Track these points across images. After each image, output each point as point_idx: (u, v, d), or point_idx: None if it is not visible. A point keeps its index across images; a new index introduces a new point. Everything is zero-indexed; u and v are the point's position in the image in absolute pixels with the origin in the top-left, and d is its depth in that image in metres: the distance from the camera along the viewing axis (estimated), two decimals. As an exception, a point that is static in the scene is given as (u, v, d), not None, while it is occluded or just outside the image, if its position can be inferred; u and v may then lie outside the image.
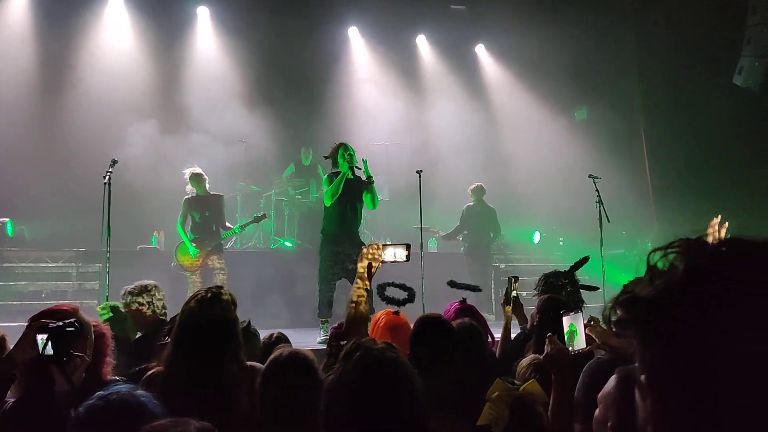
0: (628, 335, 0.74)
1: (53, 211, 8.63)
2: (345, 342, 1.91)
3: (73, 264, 8.24)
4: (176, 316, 2.30)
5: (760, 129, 8.96)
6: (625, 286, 0.75)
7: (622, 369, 1.28)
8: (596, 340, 2.44)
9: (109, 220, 5.70)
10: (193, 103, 9.66)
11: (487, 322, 3.48)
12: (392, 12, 11.00)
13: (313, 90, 10.87)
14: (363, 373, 1.41)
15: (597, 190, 7.21)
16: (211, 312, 2.13)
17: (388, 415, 1.39)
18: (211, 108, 9.57)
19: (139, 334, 3.48)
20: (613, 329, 0.76)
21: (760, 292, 0.65)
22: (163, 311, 3.60)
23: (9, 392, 2.04)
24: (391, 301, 3.01)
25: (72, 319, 2.05)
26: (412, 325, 2.76)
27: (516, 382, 2.26)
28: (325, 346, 3.37)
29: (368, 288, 2.71)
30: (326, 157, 6.17)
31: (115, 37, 10.02)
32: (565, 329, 2.39)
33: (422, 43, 12.04)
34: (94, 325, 2.26)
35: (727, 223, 2.33)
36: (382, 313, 2.94)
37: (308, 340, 5.89)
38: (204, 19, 10.72)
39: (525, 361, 2.59)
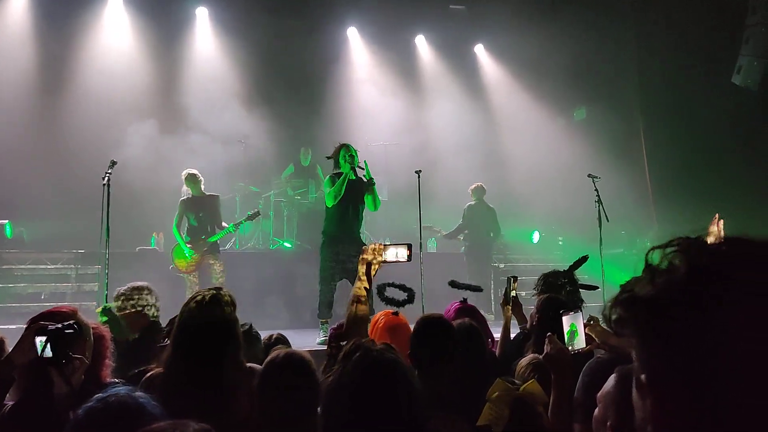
0: (627, 334, 0.74)
1: (52, 213, 8.62)
2: (345, 343, 1.91)
3: (72, 266, 8.24)
4: (175, 317, 2.30)
5: (759, 128, 8.97)
6: (623, 285, 0.75)
7: (622, 368, 1.28)
8: (596, 339, 2.44)
9: (108, 221, 5.70)
10: (192, 103, 9.66)
11: (487, 322, 3.48)
12: (391, 12, 11.00)
13: (313, 90, 10.87)
14: (362, 374, 1.41)
15: (596, 190, 7.22)
16: (211, 313, 2.13)
17: (387, 415, 1.39)
18: (210, 108, 9.56)
19: (135, 336, 3.47)
20: (613, 328, 0.76)
21: (760, 292, 0.65)
22: (157, 313, 3.58)
23: (8, 395, 2.03)
24: (390, 301, 3.01)
25: (71, 321, 2.04)
26: (411, 326, 2.76)
27: (516, 381, 2.26)
28: (324, 347, 3.37)
29: (368, 288, 2.71)
30: (328, 158, 6.16)
31: (114, 37, 10.02)
32: (566, 329, 2.39)
33: (421, 43, 12.04)
34: (93, 328, 2.26)
35: (722, 221, 2.33)
36: (381, 313, 2.94)
37: (308, 340, 5.89)
38: (203, 20, 10.72)
39: (524, 361, 2.59)
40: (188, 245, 7.03)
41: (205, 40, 10.66)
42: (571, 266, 3.60)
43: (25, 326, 2.06)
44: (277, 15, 10.52)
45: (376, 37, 11.40)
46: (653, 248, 0.74)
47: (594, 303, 3.90)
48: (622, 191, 9.43)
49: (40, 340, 1.97)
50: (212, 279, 6.97)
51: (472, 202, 9.09)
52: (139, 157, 8.43)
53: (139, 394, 1.66)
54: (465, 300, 3.42)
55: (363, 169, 5.89)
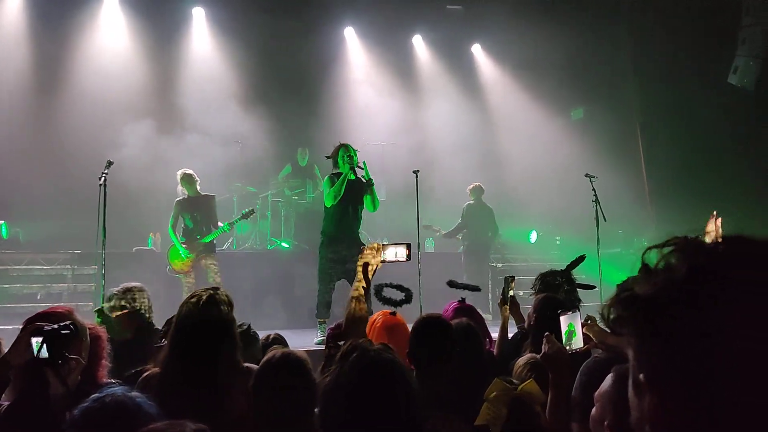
0: (625, 333, 0.74)
1: (48, 213, 8.60)
2: (343, 343, 1.91)
3: (69, 266, 8.22)
4: (172, 317, 2.30)
5: (755, 128, 8.99)
6: (620, 285, 0.75)
7: (619, 367, 1.28)
8: (593, 339, 2.44)
9: (104, 221, 5.68)
10: (189, 103, 9.65)
11: (485, 322, 3.48)
12: (388, 12, 10.99)
13: (310, 90, 10.86)
14: (360, 374, 1.41)
15: (594, 190, 7.23)
16: (207, 313, 2.13)
17: (385, 415, 1.39)
18: (206, 109, 9.55)
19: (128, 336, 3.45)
20: (611, 328, 0.76)
21: (759, 291, 0.65)
22: (150, 313, 3.56)
23: (4, 395, 2.03)
24: (387, 301, 3.02)
25: (67, 322, 2.04)
26: (409, 326, 2.77)
27: (514, 381, 2.26)
28: (322, 347, 3.37)
29: (367, 289, 2.72)
30: (328, 157, 6.16)
31: (110, 37, 10.00)
32: (564, 329, 2.39)
33: (418, 43, 12.04)
34: (90, 328, 2.25)
35: (720, 218, 2.34)
36: (379, 313, 2.94)
37: (306, 341, 5.88)
38: (200, 20, 10.70)
39: (521, 360, 2.59)
40: (184, 246, 7.02)
41: (202, 40, 10.64)
42: (568, 266, 3.60)
43: (20, 327, 2.05)
44: (273, 15, 10.50)
45: (373, 37, 11.40)
46: (650, 248, 0.74)
47: (591, 302, 3.90)
48: (619, 191, 9.45)
49: (36, 341, 1.96)
50: (208, 279, 6.95)
51: (471, 202, 9.11)
52: (135, 158, 8.41)
53: (135, 394, 1.66)
54: (463, 300, 3.43)
55: (362, 169, 5.88)
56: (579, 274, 3.71)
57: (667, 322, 0.68)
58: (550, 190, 10.66)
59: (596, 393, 1.31)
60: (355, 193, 5.89)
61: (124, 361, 2.55)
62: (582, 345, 2.38)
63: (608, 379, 1.30)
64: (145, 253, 8.51)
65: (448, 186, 9.97)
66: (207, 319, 2.12)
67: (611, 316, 0.75)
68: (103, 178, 5.73)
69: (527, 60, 11.09)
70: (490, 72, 12.18)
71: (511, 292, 3.80)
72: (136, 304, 3.45)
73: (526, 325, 3.36)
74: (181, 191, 7.12)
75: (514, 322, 3.87)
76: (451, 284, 3.99)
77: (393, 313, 2.91)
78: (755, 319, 0.64)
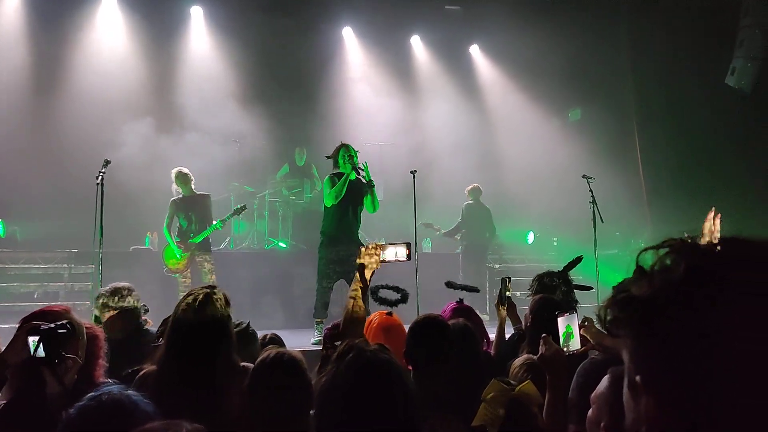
0: (622, 335, 0.74)
1: (46, 212, 8.58)
2: (339, 343, 1.91)
3: (66, 265, 8.20)
4: (169, 317, 2.29)
5: (753, 130, 9.01)
6: (616, 286, 0.75)
7: (615, 369, 1.28)
8: (591, 340, 2.44)
9: (101, 220, 5.68)
10: (187, 103, 9.63)
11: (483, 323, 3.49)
12: (386, 12, 11.00)
13: (308, 90, 10.85)
14: (356, 374, 1.41)
15: (591, 191, 7.24)
16: (204, 312, 2.12)
17: (382, 415, 1.39)
18: (204, 108, 9.54)
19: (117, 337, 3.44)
20: (608, 329, 0.76)
21: (755, 292, 0.65)
22: (140, 313, 3.54)
23: (0, 394, 2.02)
24: (383, 302, 3.02)
25: (64, 321, 2.03)
26: (404, 326, 2.77)
27: (511, 382, 2.26)
28: (319, 347, 3.37)
29: (365, 289, 2.72)
30: (328, 157, 6.14)
31: (108, 36, 9.98)
32: (561, 330, 2.39)
33: (416, 43, 12.05)
34: (87, 327, 2.25)
35: (719, 215, 2.34)
36: (375, 314, 2.94)
37: (303, 341, 5.89)
38: (198, 19, 10.69)
39: (518, 361, 2.59)
40: (178, 245, 7.00)
41: (200, 39, 10.63)
42: (565, 267, 3.60)
43: (17, 325, 2.05)
44: (272, 14, 10.50)
45: (372, 37, 11.40)
46: (645, 249, 0.74)
47: (588, 304, 3.91)
48: (616, 192, 9.47)
49: (32, 340, 1.96)
50: (202, 277, 6.94)
51: (470, 202, 9.13)
52: (133, 157, 8.40)
53: (132, 392, 1.66)
54: (461, 300, 3.43)
55: (363, 170, 5.87)
56: (576, 275, 3.71)
57: (664, 322, 0.68)
58: (548, 191, 10.67)
59: (593, 394, 1.31)
60: (355, 193, 5.89)
61: (114, 361, 2.54)
62: (579, 346, 2.38)
63: (605, 381, 1.30)
64: (143, 252, 8.50)
65: (446, 186, 9.98)
66: (204, 318, 2.12)
67: (607, 318, 0.75)
68: (100, 178, 5.72)
69: (525, 61, 11.10)
70: (488, 73, 12.19)
71: (508, 293, 3.80)
72: (125, 303, 3.43)
73: (523, 326, 3.37)
74: (176, 190, 7.10)
75: (510, 323, 3.87)
76: (450, 285, 3.99)
77: (389, 314, 2.91)
78: (753, 320, 0.64)
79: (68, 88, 9.52)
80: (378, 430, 1.37)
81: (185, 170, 7.08)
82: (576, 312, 2.48)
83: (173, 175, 7.04)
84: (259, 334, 3.28)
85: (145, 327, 3.42)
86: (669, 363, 0.68)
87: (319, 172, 9.57)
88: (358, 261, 2.76)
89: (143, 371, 2.21)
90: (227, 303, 2.23)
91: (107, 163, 5.92)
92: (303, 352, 2.32)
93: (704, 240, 0.74)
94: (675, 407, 0.68)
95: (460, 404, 2.16)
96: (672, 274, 0.70)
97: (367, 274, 2.74)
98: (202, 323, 2.11)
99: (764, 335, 0.64)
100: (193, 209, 7.06)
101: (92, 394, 1.61)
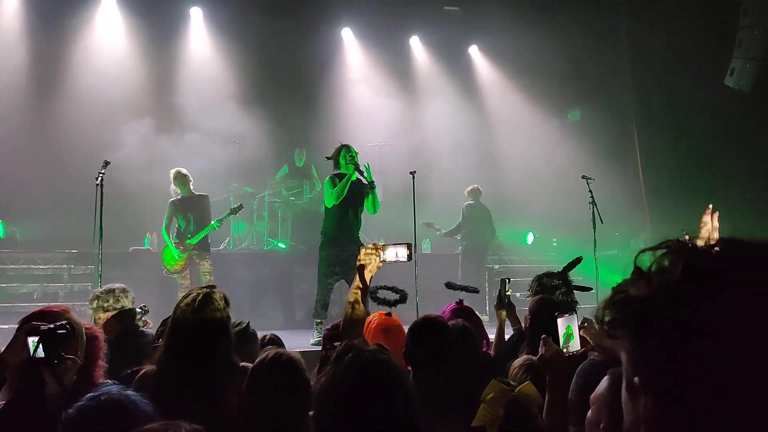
0: (619, 336, 0.74)
1: (45, 212, 8.58)
2: (338, 344, 1.91)
3: (65, 265, 8.19)
4: (168, 318, 2.29)
5: (752, 130, 9.02)
6: (615, 287, 0.75)
7: (615, 370, 1.28)
8: (591, 341, 2.44)
9: (101, 221, 5.68)
10: (187, 103, 9.64)
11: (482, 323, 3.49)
12: (386, 13, 11.00)
13: (307, 91, 10.86)
14: (355, 375, 1.41)
15: (590, 192, 7.24)
16: (203, 312, 2.12)
17: (381, 416, 1.38)
18: (204, 109, 9.54)
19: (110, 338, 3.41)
20: (606, 330, 0.75)
21: (755, 292, 0.65)
22: (134, 314, 3.52)
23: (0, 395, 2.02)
24: (382, 302, 3.02)
25: (63, 321, 2.03)
26: (404, 326, 2.77)
27: (511, 383, 2.27)
28: (318, 348, 3.36)
29: (364, 290, 2.72)
30: (328, 158, 6.13)
31: (108, 37, 9.99)
32: (561, 331, 2.39)
33: (416, 44, 12.05)
34: (86, 328, 2.25)
35: (717, 212, 2.34)
36: (374, 314, 2.94)
37: (302, 341, 5.88)
38: (197, 20, 10.69)
39: (517, 362, 2.60)
40: (176, 246, 6.99)
41: (200, 40, 10.63)
42: (565, 267, 3.60)
43: (16, 326, 2.04)
44: (271, 15, 10.50)
45: (371, 37, 11.41)
46: (643, 250, 0.74)
47: (588, 305, 3.92)
48: (616, 193, 9.47)
49: (32, 341, 1.95)
50: (200, 278, 6.93)
51: (471, 202, 9.15)
52: (132, 157, 8.40)
53: (131, 393, 1.66)
54: (461, 301, 3.43)
55: (364, 172, 5.86)
56: (576, 276, 3.71)
57: (662, 323, 0.68)
58: (547, 191, 10.67)
59: (592, 395, 1.31)
60: (355, 194, 5.89)
61: (109, 362, 2.53)
62: (579, 348, 2.38)
63: (604, 382, 1.30)
64: (142, 252, 8.49)
65: (445, 187, 9.98)
66: (203, 318, 2.12)
67: (605, 319, 0.75)
68: (100, 178, 5.72)
69: (525, 61, 11.11)
70: (487, 73, 12.19)
71: (508, 294, 3.80)
72: (119, 305, 3.41)
73: (522, 326, 3.37)
74: (174, 191, 7.10)
75: (510, 324, 3.87)
76: (449, 286, 3.99)
77: (389, 314, 2.91)
78: (754, 320, 0.64)
79: (68, 88, 9.52)
80: (377, 430, 1.37)
81: (184, 171, 7.07)
82: (576, 313, 2.48)
83: (172, 176, 7.04)
84: (259, 335, 3.28)
85: (141, 329, 3.41)
86: (667, 363, 0.68)
87: (318, 173, 9.57)
88: (358, 262, 2.76)
89: (142, 371, 2.21)
90: (226, 303, 2.23)
91: (107, 163, 5.92)
92: (302, 352, 2.32)
93: (702, 240, 0.74)
94: (674, 408, 0.68)
95: (459, 405, 2.16)
96: (670, 275, 0.70)
97: (368, 275, 2.74)
98: (202, 323, 2.11)
99: (764, 335, 0.64)
100: (191, 210, 7.04)
101: (91, 394, 1.61)
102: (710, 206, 2.31)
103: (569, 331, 2.39)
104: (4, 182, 8.44)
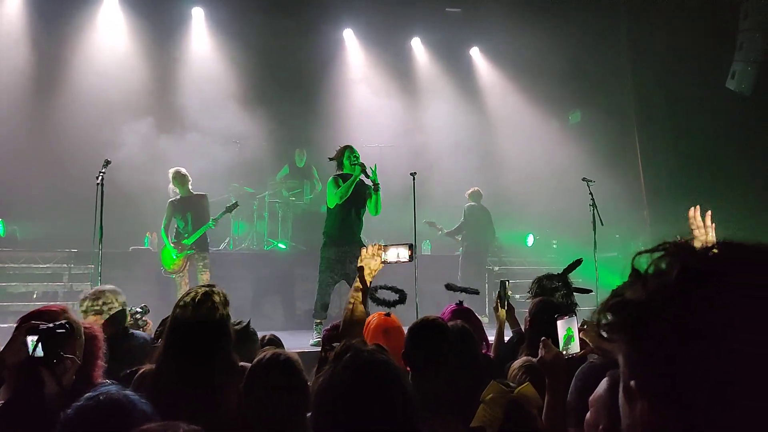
0: (616, 340, 0.74)
1: (46, 212, 8.58)
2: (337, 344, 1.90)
3: (65, 265, 8.19)
4: (167, 318, 2.29)
5: (753, 133, 9.01)
6: (614, 291, 0.75)
7: (613, 372, 1.27)
8: (590, 344, 2.43)
9: (101, 220, 5.68)
10: (188, 103, 9.64)
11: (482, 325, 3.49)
12: (387, 14, 11.00)
13: (308, 91, 10.86)
14: (354, 375, 1.41)
15: (591, 193, 7.23)
16: (203, 311, 2.12)
17: (380, 416, 1.38)
18: (205, 109, 9.55)
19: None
20: (603, 333, 0.75)
21: (752, 294, 0.65)
22: (125, 316, 3.49)
23: (-2, 394, 2.02)
24: (382, 302, 3.01)
25: (62, 321, 2.03)
26: (403, 326, 2.76)
27: (510, 384, 2.26)
28: (318, 349, 3.36)
29: (365, 291, 2.71)
30: (331, 159, 6.13)
31: (109, 37, 10.00)
32: (561, 333, 2.39)
33: (417, 45, 12.06)
34: (86, 327, 2.24)
35: (710, 212, 2.33)
36: (373, 315, 2.94)
37: (302, 342, 5.88)
38: (198, 20, 10.70)
39: (517, 363, 2.59)
40: (174, 246, 6.98)
41: (201, 40, 10.64)
42: (565, 269, 3.60)
43: (15, 325, 2.04)
44: (272, 16, 10.51)
45: (372, 38, 11.41)
46: (640, 253, 0.74)
47: (588, 307, 3.91)
48: (616, 194, 9.47)
49: (31, 340, 1.95)
50: (197, 277, 6.93)
51: (472, 204, 9.16)
52: (133, 157, 8.41)
53: (129, 392, 1.66)
54: (461, 302, 3.43)
55: (369, 175, 5.86)
56: (575, 278, 3.71)
57: (659, 325, 0.68)
58: (548, 193, 10.67)
59: (590, 397, 1.31)
60: (358, 195, 5.89)
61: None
62: (579, 350, 2.38)
63: (603, 384, 1.30)
64: (142, 252, 8.49)
65: (445, 188, 9.98)
66: (202, 317, 2.11)
67: (603, 322, 0.75)
68: (100, 178, 5.72)
69: (525, 63, 11.11)
70: (488, 75, 12.20)
71: (507, 296, 3.80)
72: (109, 306, 3.39)
73: (522, 328, 3.36)
74: (173, 190, 7.10)
75: (509, 325, 3.87)
76: (449, 287, 3.99)
77: (388, 314, 2.91)
78: (751, 322, 0.64)
79: (69, 88, 9.53)
80: (376, 430, 1.36)
81: (183, 170, 7.07)
82: (575, 315, 2.48)
83: (170, 176, 7.03)
84: (258, 336, 3.28)
85: (131, 331, 3.38)
86: (664, 366, 0.67)
87: (319, 173, 9.57)
88: (359, 263, 2.76)
89: (141, 371, 2.20)
90: (226, 302, 2.22)
91: (107, 163, 5.92)
92: (302, 353, 2.32)
93: (698, 243, 0.73)
94: (671, 410, 0.67)
95: (458, 406, 2.16)
96: (667, 277, 0.69)
97: (368, 276, 2.73)
98: (201, 322, 2.11)
99: (762, 337, 0.64)
100: (190, 210, 7.04)
101: (90, 394, 1.61)
102: (698, 206, 2.32)
103: (569, 333, 2.38)
104: (5, 181, 8.44)
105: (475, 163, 10.64)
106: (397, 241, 2.88)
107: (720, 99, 9.16)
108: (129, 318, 3.72)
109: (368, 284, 2.75)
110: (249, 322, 3.02)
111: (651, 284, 0.70)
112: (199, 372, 2.05)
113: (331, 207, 5.89)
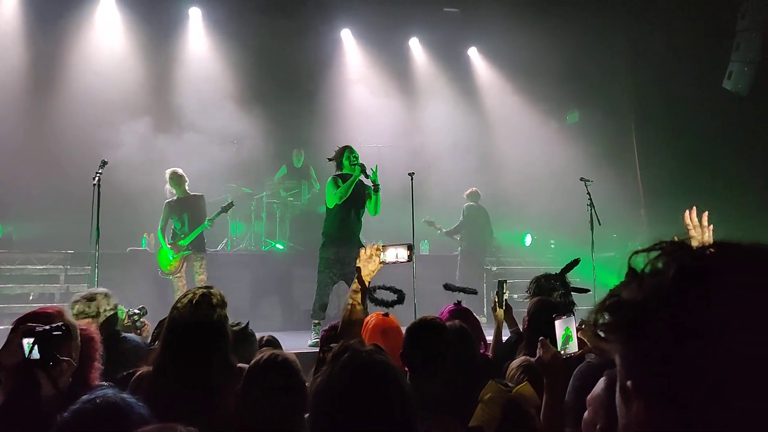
0: (614, 339, 0.74)
1: (42, 213, 8.56)
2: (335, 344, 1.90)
3: (62, 266, 8.16)
4: (164, 319, 2.29)
5: (750, 133, 9.02)
6: (611, 291, 0.75)
7: (611, 372, 1.27)
8: (588, 343, 2.43)
9: (98, 221, 5.66)
10: (185, 103, 9.63)
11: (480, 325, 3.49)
12: (385, 14, 11.00)
13: (306, 92, 10.86)
14: (351, 375, 1.40)
15: (588, 193, 7.24)
16: (200, 313, 2.12)
17: (378, 416, 1.38)
18: (202, 109, 9.53)
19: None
20: (600, 333, 0.75)
21: (749, 294, 0.65)
22: (116, 319, 3.47)
23: (-6, 397, 2.01)
24: (380, 302, 3.01)
25: (59, 323, 2.02)
26: (402, 327, 2.76)
27: (509, 384, 2.26)
28: (316, 349, 3.36)
29: (363, 292, 2.71)
30: (330, 159, 6.13)
31: (106, 37, 9.98)
32: (560, 333, 2.39)
33: (415, 45, 12.06)
34: (82, 330, 2.23)
35: (707, 212, 2.33)
36: (372, 315, 2.94)
37: (300, 342, 5.87)
38: (196, 20, 10.69)
39: (515, 363, 2.59)
40: (171, 247, 6.96)
41: (198, 40, 10.63)
42: (563, 269, 3.60)
43: (11, 327, 2.03)
44: (270, 16, 10.50)
45: (370, 39, 11.41)
46: (636, 252, 0.74)
47: (586, 306, 3.91)
48: (614, 194, 9.47)
49: (27, 342, 1.94)
50: (194, 278, 6.91)
51: (471, 203, 9.17)
52: (130, 157, 8.39)
53: (126, 395, 1.65)
54: (459, 302, 3.43)
55: (370, 173, 5.86)
56: (573, 278, 3.71)
57: (655, 325, 0.68)
58: (546, 193, 10.68)
59: (588, 397, 1.31)
60: (357, 195, 5.89)
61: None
62: (577, 349, 2.38)
63: (600, 383, 1.30)
64: (139, 253, 8.48)
65: (444, 188, 9.98)
66: (200, 318, 2.11)
67: (599, 322, 0.75)
68: (97, 178, 5.71)
69: (523, 63, 11.11)
70: (486, 75, 12.20)
71: (505, 296, 3.80)
72: (98, 309, 3.37)
73: (520, 328, 3.36)
74: (170, 191, 7.08)
75: (507, 325, 3.87)
76: (447, 287, 3.99)
77: (386, 314, 2.91)
78: (748, 322, 0.64)
79: (66, 88, 9.51)
80: (374, 431, 1.36)
81: (180, 171, 7.05)
82: (573, 315, 2.48)
83: (167, 176, 7.02)
84: (257, 336, 3.28)
85: (123, 334, 3.37)
86: (661, 366, 0.67)
87: (317, 173, 9.56)
88: (358, 263, 2.76)
89: (138, 373, 2.20)
90: (223, 303, 2.22)
91: (104, 163, 5.91)
92: (300, 354, 2.31)
93: (695, 243, 0.73)
94: (667, 410, 0.67)
95: (456, 406, 2.16)
96: (663, 276, 0.69)
97: (367, 277, 2.73)
98: (198, 323, 2.10)
99: (759, 336, 0.63)
100: (186, 210, 7.03)
101: (87, 396, 1.60)
102: (694, 207, 2.32)
103: (567, 332, 2.38)
104: (1, 182, 8.41)
105: (473, 163, 10.64)
106: (396, 242, 2.87)
107: (718, 98, 9.18)
108: (127, 319, 3.72)
109: (367, 285, 2.75)
110: (248, 323, 3.01)
111: (647, 284, 0.70)
112: (197, 373, 2.04)
113: (331, 207, 5.88)
